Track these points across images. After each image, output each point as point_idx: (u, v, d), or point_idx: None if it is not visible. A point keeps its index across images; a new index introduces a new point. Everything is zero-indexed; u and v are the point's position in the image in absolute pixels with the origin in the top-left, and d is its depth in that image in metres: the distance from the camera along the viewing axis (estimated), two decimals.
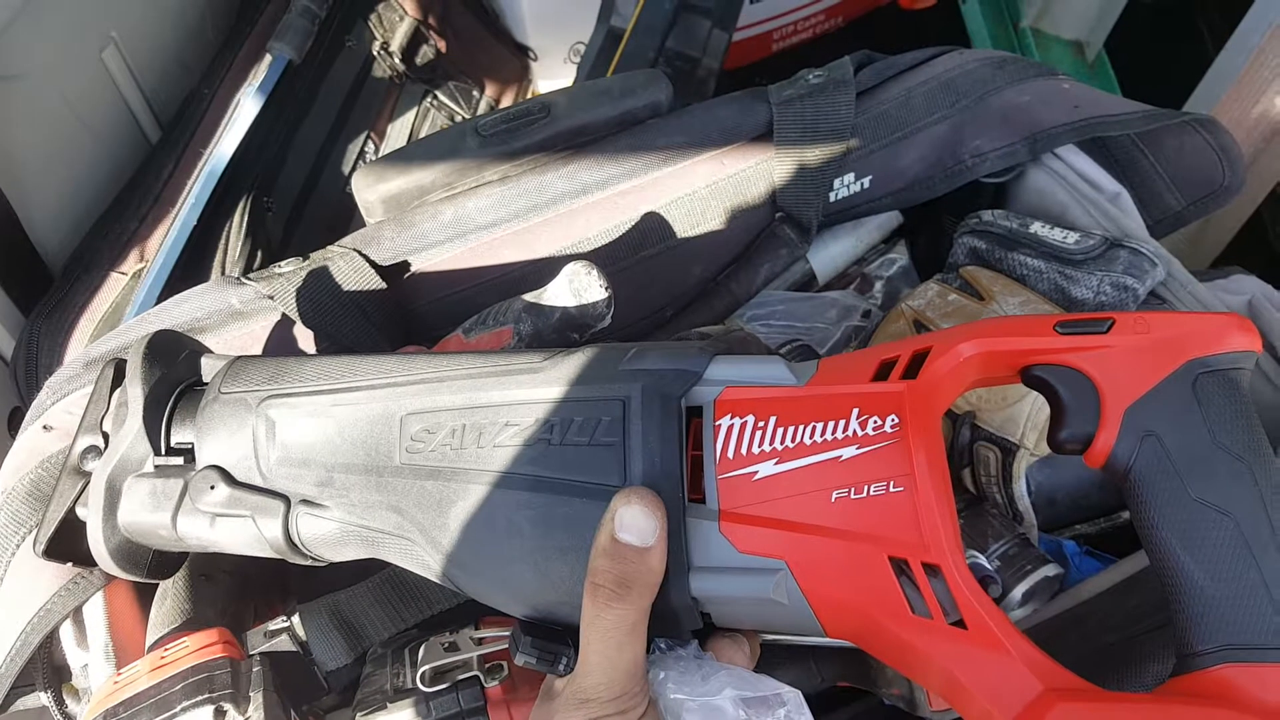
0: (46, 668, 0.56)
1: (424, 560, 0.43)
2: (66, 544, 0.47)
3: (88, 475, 0.47)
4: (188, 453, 0.45)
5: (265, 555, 0.45)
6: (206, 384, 0.47)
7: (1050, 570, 0.53)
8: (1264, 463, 0.38)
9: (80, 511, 0.47)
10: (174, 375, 0.47)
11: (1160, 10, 1.23)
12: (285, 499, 0.43)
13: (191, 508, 0.43)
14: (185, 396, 0.47)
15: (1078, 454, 0.41)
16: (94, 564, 0.46)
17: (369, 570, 0.55)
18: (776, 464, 0.40)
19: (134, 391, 0.45)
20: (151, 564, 0.47)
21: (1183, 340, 0.40)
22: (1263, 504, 0.37)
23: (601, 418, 0.41)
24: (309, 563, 0.46)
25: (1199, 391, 0.39)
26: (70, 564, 0.48)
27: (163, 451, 0.45)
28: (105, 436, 0.47)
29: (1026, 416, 0.55)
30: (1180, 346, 0.39)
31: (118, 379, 0.49)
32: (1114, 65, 1.17)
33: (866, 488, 0.39)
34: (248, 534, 0.44)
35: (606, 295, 0.54)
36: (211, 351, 0.51)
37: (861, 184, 0.69)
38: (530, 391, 0.43)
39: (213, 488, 0.43)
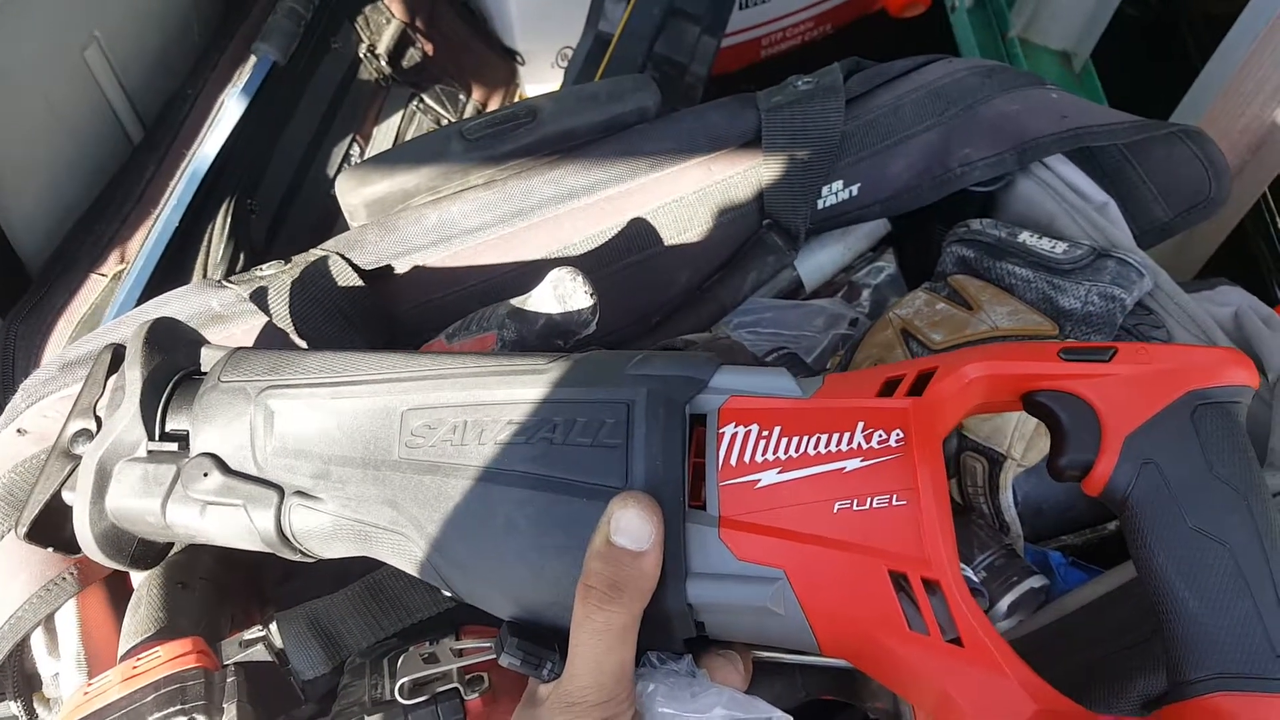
0: (17, 676, 0.55)
1: (416, 557, 0.43)
2: (50, 528, 0.46)
3: (77, 459, 0.46)
4: (182, 440, 0.44)
5: (254, 548, 0.45)
6: (205, 373, 0.46)
7: (1036, 582, 0.53)
8: (1260, 496, 0.38)
9: (67, 496, 0.46)
10: (173, 362, 0.46)
11: (1146, 22, 1.24)
12: (279, 490, 0.43)
13: (183, 494, 0.43)
14: (183, 384, 0.46)
15: (1077, 480, 0.41)
16: (76, 550, 0.45)
17: (347, 578, 0.54)
18: (779, 473, 0.39)
19: (132, 375, 0.44)
20: (135, 552, 0.46)
21: (1183, 372, 0.40)
22: (1258, 536, 0.37)
23: (605, 420, 0.41)
24: (298, 557, 0.45)
25: (1197, 422, 0.39)
26: (51, 549, 0.47)
27: (157, 437, 0.44)
28: (98, 421, 0.46)
29: (1014, 427, 0.55)
30: (1180, 378, 0.40)
31: (114, 365, 0.48)
32: (1100, 76, 1.18)
33: (870, 500, 0.38)
34: (238, 524, 0.43)
35: (591, 302, 0.54)
36: (210, 342, 0.50)
37: (850, 191, 0.69)
38: (535, 391, 0.42)
39: (206, 475, 0.43)
